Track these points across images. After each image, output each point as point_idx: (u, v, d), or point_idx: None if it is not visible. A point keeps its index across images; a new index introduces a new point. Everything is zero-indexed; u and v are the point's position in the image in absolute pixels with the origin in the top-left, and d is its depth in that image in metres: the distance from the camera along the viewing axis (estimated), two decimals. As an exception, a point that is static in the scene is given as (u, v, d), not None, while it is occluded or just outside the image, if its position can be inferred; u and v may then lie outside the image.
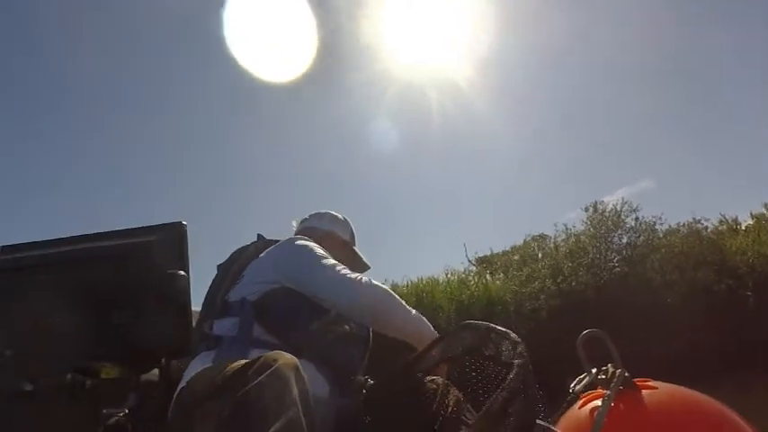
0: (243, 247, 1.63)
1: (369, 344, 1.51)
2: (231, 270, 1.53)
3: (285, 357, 1.04)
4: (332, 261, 1.43)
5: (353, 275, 1.39)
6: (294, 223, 1.80)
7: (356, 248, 1.80)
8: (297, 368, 1.03)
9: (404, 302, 1.41)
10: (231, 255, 1.62)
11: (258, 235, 1.68)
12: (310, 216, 1.79)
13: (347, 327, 1.44)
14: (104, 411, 1.17)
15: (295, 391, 0.98)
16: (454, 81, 13.22)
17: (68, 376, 1.21)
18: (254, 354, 1.18)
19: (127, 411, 1.22)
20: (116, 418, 1.19)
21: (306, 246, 1.48)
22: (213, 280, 1.56)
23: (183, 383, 1.23)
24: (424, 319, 1.42)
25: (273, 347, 1.23)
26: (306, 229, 1.72)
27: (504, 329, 1.09)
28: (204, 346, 1.33)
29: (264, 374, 0.98)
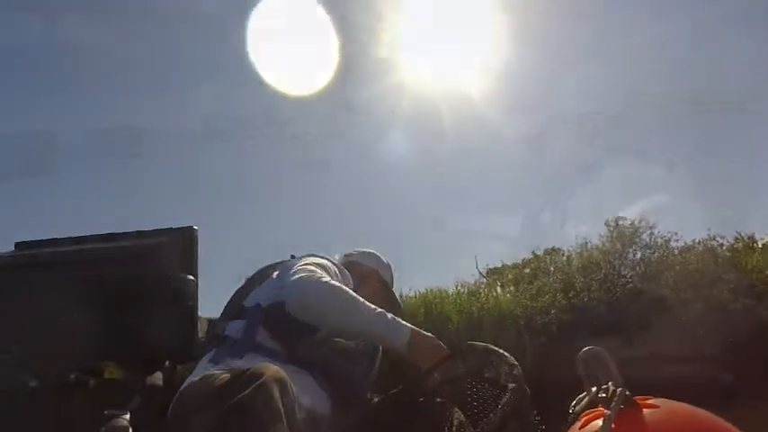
0: (276, 262, 1.63)
1: (375, 361, 1.47)
2: (256, 280, 1.55)
3: (271, 370, 1.04)
4: (309, 268, 1.39)
5: (313, 277, 1.33)
6: (337, 256, 1.77)
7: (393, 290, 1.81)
8: (283, 381, 1.03)
9: (366, 303, 1.33)
10: (262, 268, 1.63)
11: (291, 255, 1.67)
12: (356, 252, 1.82)
13: (351, 342, 1.41)
14: (106, 412, 1.17)
15: (280, 404, 0.98)
16: (467, 93, 13.22)
17: (72, 376, 1.22)
18: (249, 357, 1.19)
19: (129, 413, 1.23)
20: (118, 419, 1.20)
21: (303, 260, 1.47)
22: (238, 289, 1.57)
23: (184, 386, 1.24)
24: (392, 317, 1.32)
25: (273, 354, 1.24)
26: (349, 263, 1.71)
27: (501, 351, 1.09)
28: (211, 347, 1.34)
29: (251, 388, 0.99)
